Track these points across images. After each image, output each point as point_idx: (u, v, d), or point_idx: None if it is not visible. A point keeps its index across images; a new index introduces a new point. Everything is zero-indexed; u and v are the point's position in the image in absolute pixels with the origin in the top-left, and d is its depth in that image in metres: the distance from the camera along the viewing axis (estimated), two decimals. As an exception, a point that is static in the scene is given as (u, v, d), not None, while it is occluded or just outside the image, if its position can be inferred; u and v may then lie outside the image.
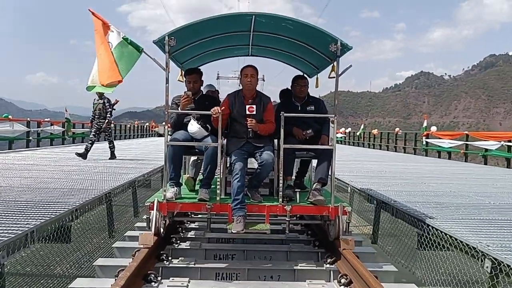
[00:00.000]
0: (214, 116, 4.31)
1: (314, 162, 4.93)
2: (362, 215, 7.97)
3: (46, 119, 21.40)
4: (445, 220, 4.70)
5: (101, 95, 10.41)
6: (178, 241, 4.90)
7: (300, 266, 4.23)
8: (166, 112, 4.36)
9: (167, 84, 4.22)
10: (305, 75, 5.52)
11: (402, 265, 5.28)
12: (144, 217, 5.26)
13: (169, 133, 4.59)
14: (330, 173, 4.59)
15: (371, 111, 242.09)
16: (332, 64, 4.53)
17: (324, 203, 4.36)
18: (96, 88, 4.18)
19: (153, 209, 4.23)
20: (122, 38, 4.14)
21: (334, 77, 4.43)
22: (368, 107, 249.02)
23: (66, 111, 20.99)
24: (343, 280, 3.78)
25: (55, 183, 6.41)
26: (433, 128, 20.14)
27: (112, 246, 4.82)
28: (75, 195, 5.37)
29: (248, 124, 4.40)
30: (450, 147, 17.56)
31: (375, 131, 28.43)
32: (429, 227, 4.53)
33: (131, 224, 6.65)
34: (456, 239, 4.03)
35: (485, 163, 15.12)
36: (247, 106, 4.45)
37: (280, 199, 4.33)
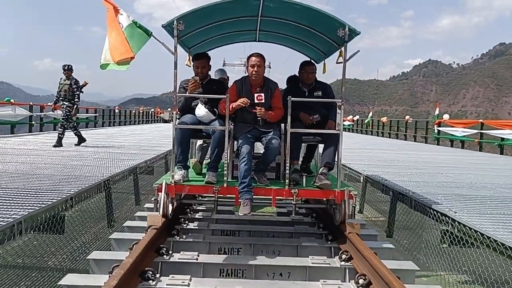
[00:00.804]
0: (243, 104, 4.38)
1: (321, 148, 4.97)
2: (375, 206, 7.78)
3: (49, 104, 21.32)
4: (471, 214, 4.45)
5: (68, 75, 9.77)
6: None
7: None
8: (174, 96, 4.41)
9: (175, 69, 4.25)
10: (312, 60, 5.54)
11: (423, 262, 5.05)
12: (146, 205, 5.38)
13: (177, 117, 4.64)
14: (336, 158, 4.62)
15: (378, 99, 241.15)
16: (339, 50, 4.54)
17: (330, 187, 4.41)
18: (111, 66, 4.20)
19: (161, 191, 4.29)
20: (132, 21, 4.19)
21: (341, 62, 4.44)
22: (375, 95, 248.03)
23: None
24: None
25: (52, 169, 6.24)
26: (446, 116, 19.61)
27: (110, 237, 4.51)
28: (71, 182, 5.19)
29: (258, 113, 4.43)
30: (464, 136, 17.06)
31: (384, 119, 28.09)
32: (455, 222, 4.28)
33: (132, 213, 6.37)
34: (488, 237, 3.75)
35: (501, 153, 14.68)
36: (256, 95, 4.47)
37: (287, 183, 4.38)
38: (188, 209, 5.55)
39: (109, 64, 4.20)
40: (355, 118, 34.31)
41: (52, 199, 4.26)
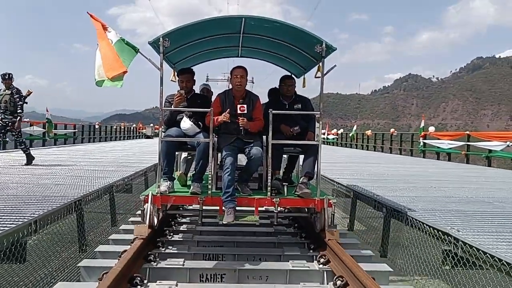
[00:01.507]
0: (226, 119, 4.56)
1: (301, 159, 5.17)
2: (366, 223, 7.36)
3: (25, 119, 20.39)
4: (476, 232, 4.03)
5: (9, 85, 8.69)
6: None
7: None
8: (160, 109, 4.57)
9: (161, 84, 4.43)
10: (292, 75, 5.77)
11: (422, 286, 4.78)
12: (122, 227, 5.33)
13: (163, 130, 4.80)
14: (316, 168, 4.82)
15: (360, 113, 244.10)
16: (318, 65, 4.77)
17: (310, 196, 4.59)
18: (106, 82, 4.28)
19: (147, 202, 4.43)
20: (120, 38, 4.35)
21: (319, 77, 4.66)
22: (357, 109, 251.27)
23: (47, 111, 20.22)
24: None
25: (19, 189, 5.67)
26: (431, 129, 19.34)
27: (79, 265, 4.02)
28: (38, 203, 4.67)
29: (240, 123, 4.61)
30: (450, 148, 16.68)
31: (369, 132, 28.05)
32: (458, 241, 3.84)
33: (107, 235, 5.82)
34: (500, 260, 3.31)
35: (489, 165, 14.32)
36: (238, 106, 4.64)
37: (269, 193, 4.55)
38: (173, 222, 5.66)
39: (104, 80, 4.29)
40: (339, 132, 34.44)
41: (11, 223, 3.73)
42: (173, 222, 5.64)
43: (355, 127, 32.22)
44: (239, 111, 4.63)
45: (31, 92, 9.14)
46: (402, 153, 21.14)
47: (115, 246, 4.68)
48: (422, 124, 19.70)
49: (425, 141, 18.54)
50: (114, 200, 6.96)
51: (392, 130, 24.48)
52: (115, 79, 4.22)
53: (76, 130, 24.91)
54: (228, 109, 4.65)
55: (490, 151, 14.41)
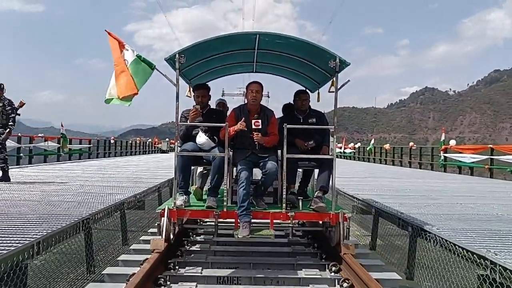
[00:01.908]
0: (241, 127, 4.61)
1: (316, 174, 5.18)
2: (388, 241, 6.86)
3: (40, 135, 20.23)
4: None
5: (0, 96, 8.16)
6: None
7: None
8: (176, 125, 4.65)
9: (177, 100, 4.51)
10: (307, 89, 5.82)
11: None
12: (133, 246, 5.16)
13: (179, 145, 4.88)
14: (331, 182, 4.83)
15: (376, 127, 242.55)
16: (332, 79, 4.80)
17: (325, 210, 4.60)
18: (114, 101, 4.43)
19: (163, 216, 4.48)
20: (136, 56, 4.45)
21: (333, 92, 4.70)
22: (373, 123, 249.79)
23: (62, 126, 20.13)
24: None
25: (25, 207, 5.38)
26: (452, 142, 18.82)
27: None
28: (43, 223, 4.38)
29: (255, 138, 4.65)
30: (472, 162, 16.11)
31: (387, 146, 27.61)
32: (496, 266, 3.42)
33: (118, 255, 5.50)
34: None
35: None
36: (253, 121, 4.70)
37: (284, 206, 4.57)
38: (189, 237, 5.69)
39: (112, 98, 4.43)
40: (356, 146, 34.13)
41: (11, 245, 3.43)
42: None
43: (372, 141, 31.50)
44: (254, 126, 4.67)
45: (24, 104, 8.56)
46: (422, 167, 20.59)
47: (124, 268, 4.42)
48: (443, 138, 19.14)
49: (446, 155, 18.05)
50: (125, 217, 6.75)
51: (411, 143, 23.98)
52: (124, 99, 4.34)
53: (91, 145, 24.88)
54: (243, 118, 4.70)
55: (515, 165, 13.87)
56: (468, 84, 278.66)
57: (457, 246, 4.09)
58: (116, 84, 4.39)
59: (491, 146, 16.10)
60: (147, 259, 4.18)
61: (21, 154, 16.04)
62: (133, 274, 3.78)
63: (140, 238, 5.78)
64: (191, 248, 5.08)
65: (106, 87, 4.50)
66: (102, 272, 4.34)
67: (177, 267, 4.31)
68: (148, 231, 6.17)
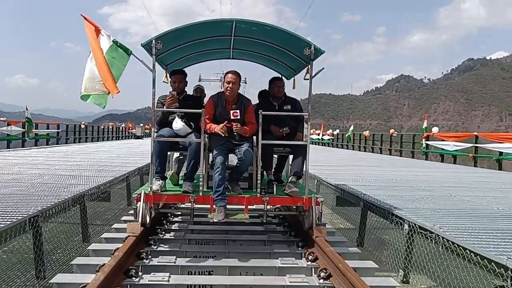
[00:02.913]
0: (221, 133, 4.66)
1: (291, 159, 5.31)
2: (378, 238, 6.32)
3: (1, 118, 18.76)
4: None
5: None
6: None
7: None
8: (152, 110, 4.68)
9: (153, 85, 4.52)
10: (282, 76, 5.91)
11: None
12: (91, 247, 4.53)
13: (155, 130, 4.91)
14: (304, 167, 4.96)
15: (352, 113, 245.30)
16: (307, 67, 4.89)
17: (299, 194, 4.73)
18: (91, 99, 4.38)
19: (140, 200, 4.53)
20: (112, 41, 4.43)
21: (308, 79, 4.80)
22: (350, 109, 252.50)
23: (26, 109, 18.30)
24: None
25: None
26: (435, 129, 18.41)
27: None
28: None
29: (234, 129, 4.71)
30: (456, 150, 15.68)
31: (366, 133, 27.09)
32: None
33: (75, 255, 5.01)
34: None
35: (500, 168, 13.35)
36: (232, 112, 4.75)
37: (259, 191, 4.68)
38: (164, 221, 5.72)
39: (89, 96, 4.37)
40: (335, 133, 33.59)
41: None
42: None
43: (351, 128, 30.64)
44: (232, 117, 4.73)
45: None
46: (403, 155, 20.22)
47: (77, 275, 3.76)
48: (425, 125, 18.51)
49: (428, 142, 17.65)
50: (86, 211, 6.09)
51: (392, 130, 23.49)
52: (100, 97, 4.33)
53: (60, 130, 23.39)
54: (226, 122, 4.74)
55: (501, 153, 13.63)
56: (442, 73, 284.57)
57: (468, 251, 3.55)
58: (102, 80, 4.31)
59: (475, 133, 15.81)
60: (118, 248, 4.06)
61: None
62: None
63: (102, 237, 5.14)
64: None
65: (81, 79, 4.42)
66: (51, 281, 3.66)
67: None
68: (112, 226, 5.60)
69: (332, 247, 4.21)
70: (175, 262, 4.14)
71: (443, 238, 4.00)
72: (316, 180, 8.71)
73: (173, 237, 5.11)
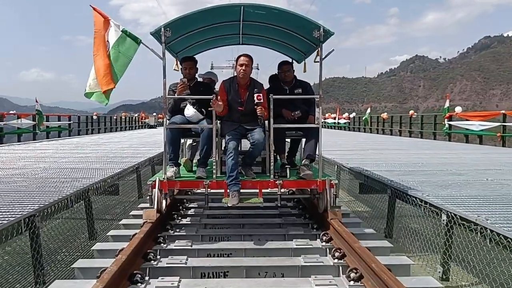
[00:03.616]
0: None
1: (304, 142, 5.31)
2: (407, 228, 5.57)
3: (11, 112, 18.67)
4: None
5: None
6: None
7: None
8: (164, 98, 4.72)
9: (164, 73, 4.56)
10: (292, 60, 5.91)
11: None
12: (95, 247, 4.21)
13: (168, 118, 4.95)
14: (317, 150, 4.97)
15: (366, 96, 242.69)
16: (316, 50, 4.87)
17: (312, 177, 4.75)
18: (94, 96, 4.45)
19: (155, 187, 4.60)
20: (121, 31, 4.47)
21: (318, 62, 4.77)
22: (364, 92, 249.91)
23: (36, 101, 18.04)
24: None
25: None
26: (458, 109, 17.36)
27: None
28: None
29: (258, 113, 4.70)
30: (482, 130, 14.89)
31: (384, 115, 26.08)
32: None
33: (79, 256, 4.81)
34: None
35: None
36: (255, 95, 4.72)
37: (272, 175, 4.71)
38: (180, 207, 5.83)
39: (93, 93, 4.44)
40: (351, 116, 32.95)
41: None
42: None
43: (368, 110, 29.13)
44: (256, 100, 4.71)
45: None
46: (423, 137, 19.51)
47: (76, 282, 3.39)
48: (447, 104, 17.44)
49: (450, 122, 16.85)
50: (91, 207, 5.73)
51: (411, 111, 22.57)
52: (101, 94, 4.38)
53: (72, 121, 23.29)
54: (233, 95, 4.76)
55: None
56: (458, 52, 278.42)
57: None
58: (96, 76, 4.39)
59: (503, 112, 14.92)
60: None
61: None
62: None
63: (108, 234, 4.82)
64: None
65: (87, 77, 4.49)
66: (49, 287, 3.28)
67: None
68: (120, 222, 5.33)
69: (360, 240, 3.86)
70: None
71: (491, 231, 3.53)
72: (336, 166, 8.40)
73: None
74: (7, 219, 3.67)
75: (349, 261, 3.73)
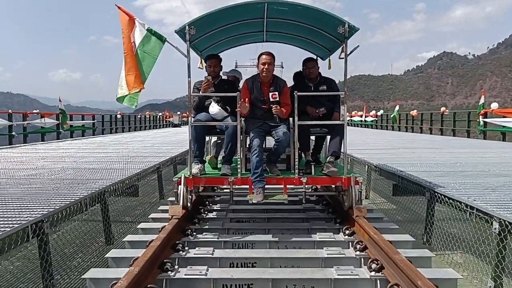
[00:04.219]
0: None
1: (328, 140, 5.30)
2: (447, 233, 5.11)
3: (34, 111, 18.39)
4: None
5: None
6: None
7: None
8: (189, 95, 4.76)
9: (189, 70, 4.60)
10: (317, 57, 5.88)
11: None
12: (109, 254, 3.93)
13: (192, 115, 5.00)
14: (342, 147, 4.94)
15: (393, 94, 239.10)
16: (341, 46, 4.82)
17: (337, 174, 4.72)
18: (126, 101, 4.51)
19: (180, 184, 4.67)
20: (146, 30, 4.53)
21: (343, 58, 4.74)
22: (390, 90, 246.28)
23: (60, 101, 17.92)
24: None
25: None
26: (494, 105, 16.14)
27: None
28: None
29: (273, 111, 4.73)
30: None
31: (414, 112, 25.03)
32: None
33: (95, 263, 4.70)
34: None
35: None
36: (270, 94, 4.75)
37: (297, 172, 4.71)
38: (207, 201, 5.92)
39: (124, 98, 4.50)
40: (378, 113, 32.01)
41: None
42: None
43: (397, 107, 28.11)
44: (271, 99, 4.74)
45: None
46: (457, 135, 18.77)
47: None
48: (482, 101, 16.37)
49: (485, 120, 15.85)
50: (108, 210, 5.43)
51: (443, 108, 21.57)
52: (131, 97, 4.45)
53: (95, 121, 23.12)
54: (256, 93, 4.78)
55: None
56: (488, 47, 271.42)
57: None
58: (126, 80, 4.45)
59: None
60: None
61: (13, 133, 14.81)
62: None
63: (124, 239, 4.44)
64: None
65: (117, 81, 4.56)
66: None
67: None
68: (138, 227, 4.98)
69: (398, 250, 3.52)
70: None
71: None
72: (366, 166, 8.04)
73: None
74: (12, 225, 3.34)
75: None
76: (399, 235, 4.43)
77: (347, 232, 4.39)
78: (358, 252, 3.88)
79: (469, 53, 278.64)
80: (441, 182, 5.44)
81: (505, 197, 4.52)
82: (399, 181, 6.21)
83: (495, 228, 3.80)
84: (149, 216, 5.42)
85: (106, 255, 3.97)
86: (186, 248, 4.04)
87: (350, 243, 4.21)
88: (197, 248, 4.02)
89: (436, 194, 4.99)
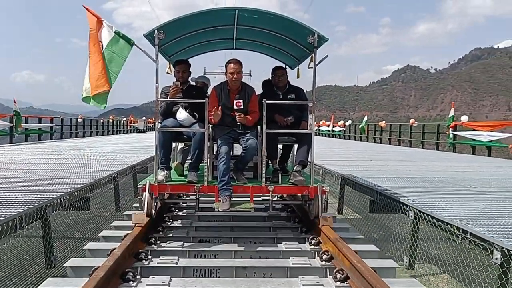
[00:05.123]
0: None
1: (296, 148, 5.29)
2: (434, 257, 4.94)
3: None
4: None
5: None
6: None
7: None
8: (156, 101, 4.67)
9: (157, 75, 4.51)
10: (286, 66, 5.90)
11: None
12: (68, 264, 3.61)
13: (159, 121, 4.91)
14: (309, 156, 4.94)
15: (358, 105, 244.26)
16: (311, 55, 4.84)
17: (304, 183, 4.72)
18: (92, 101, 4.37)
19: (145, 191, 4.55)
20: (114, 32, 4.42)
21: (312, 67, 4.76)
22: (355, 101, 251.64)
23: (14, 102, 16.65)
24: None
25: None
26: (464, 118, 16.03)
27: None
28: None
29: (237, 119, 4.70)
30: (491, 141, 13.94)
31: (383, 124, 24.73)
32: None
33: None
34: None
35: None
36: (235, 102, 4.73)
37: (263, 180, 4.67)
38: (173, 207, 5.82)
39: (90, 98, 4.37)
40: (347, 123, 31.75)
41: None
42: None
43: (365, 118, 27.74)
44: (235, 107, 4.72)
45: None
46: (425, 147, 18.62)
47: None
48: (451, 113, 16.10)
49: (455, 132, 15.80)
50: (50, 228, 4.75)
51: (412, 120, 21.81)
52: (99, 98, 4.31)
53: (53, 124, 21.55)
54: (224, 101, 4.74)
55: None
56: (449, 62, 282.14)
57: None
58: (90, 80, 4.33)
59: None
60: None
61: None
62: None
63: (65, 264, 3.70)
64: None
65: (82, 80, 4.44)
66: None
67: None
68: (85, 247, 4.23)
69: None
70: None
71: None
72: (340, 179, 7.72)
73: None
74: None
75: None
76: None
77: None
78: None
79: (432, 67, 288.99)
80: (424, 200, 5.14)
81: (499, 220, 4.18)
82: (376, 197, 5.90)
83: (496, 258, 3.38)
84: (99, 234, 4.77)
85: (65, 264, 3.69)
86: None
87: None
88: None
89: (422, 214, 4.66)
